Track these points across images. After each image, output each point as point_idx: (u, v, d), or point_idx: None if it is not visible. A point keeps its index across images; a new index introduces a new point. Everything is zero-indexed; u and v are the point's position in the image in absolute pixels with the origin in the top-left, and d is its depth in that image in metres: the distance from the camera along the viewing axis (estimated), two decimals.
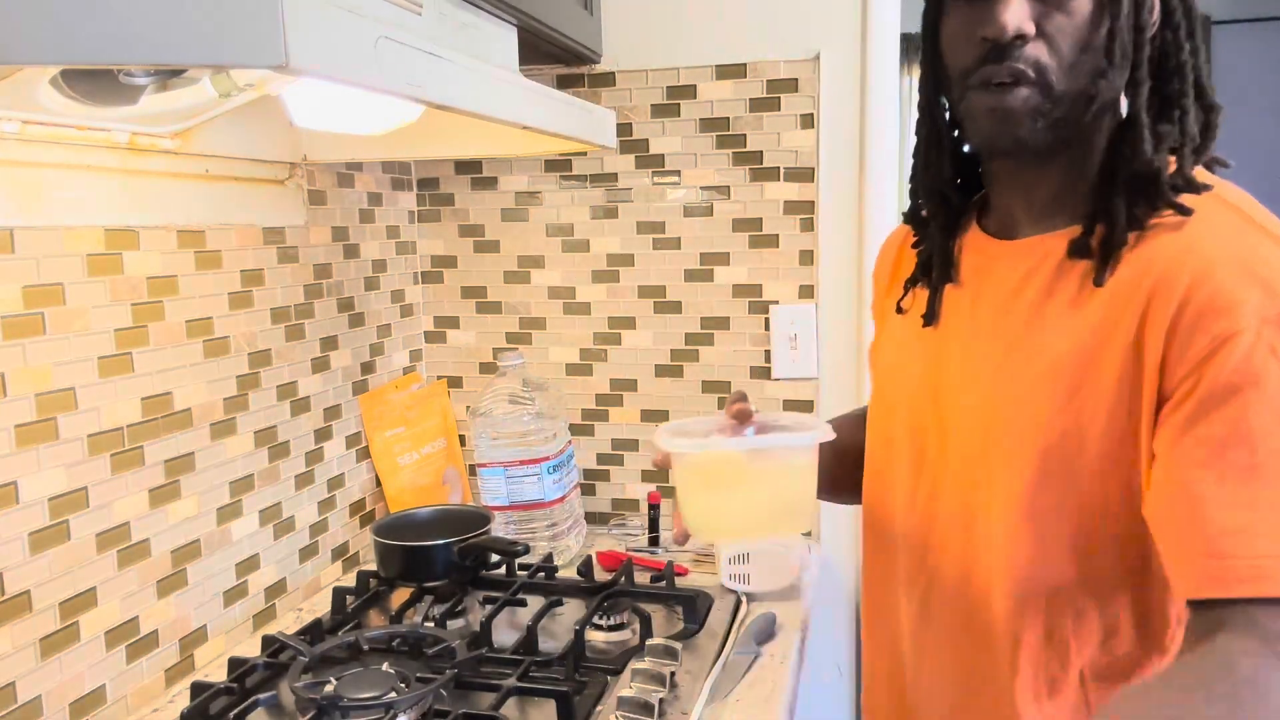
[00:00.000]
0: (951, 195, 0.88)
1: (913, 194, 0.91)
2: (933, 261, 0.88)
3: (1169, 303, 0.70)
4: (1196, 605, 0.67)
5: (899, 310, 0.93)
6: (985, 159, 0.86)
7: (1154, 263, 0.72)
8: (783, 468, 0.89)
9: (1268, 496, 0.65)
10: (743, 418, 0.94)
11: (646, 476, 1.61)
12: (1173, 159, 0.75)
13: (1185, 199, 0.73)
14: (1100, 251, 0.75)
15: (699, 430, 0.96)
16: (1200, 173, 0.76)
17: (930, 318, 0.87)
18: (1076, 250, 0.76)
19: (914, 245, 0.92)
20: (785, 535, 0.94)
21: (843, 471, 0.99)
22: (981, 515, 0.81)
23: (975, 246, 0.86)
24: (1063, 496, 0.76)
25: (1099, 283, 0.74)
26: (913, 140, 0.90)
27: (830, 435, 0.87)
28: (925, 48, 0.83)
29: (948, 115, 0.85)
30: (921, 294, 0.89)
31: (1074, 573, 0.77)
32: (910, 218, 0.92)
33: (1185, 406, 0.68)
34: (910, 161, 0.90)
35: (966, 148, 0.88)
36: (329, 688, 0.95)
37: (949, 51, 0.79)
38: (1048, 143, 0.75)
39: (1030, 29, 0.72)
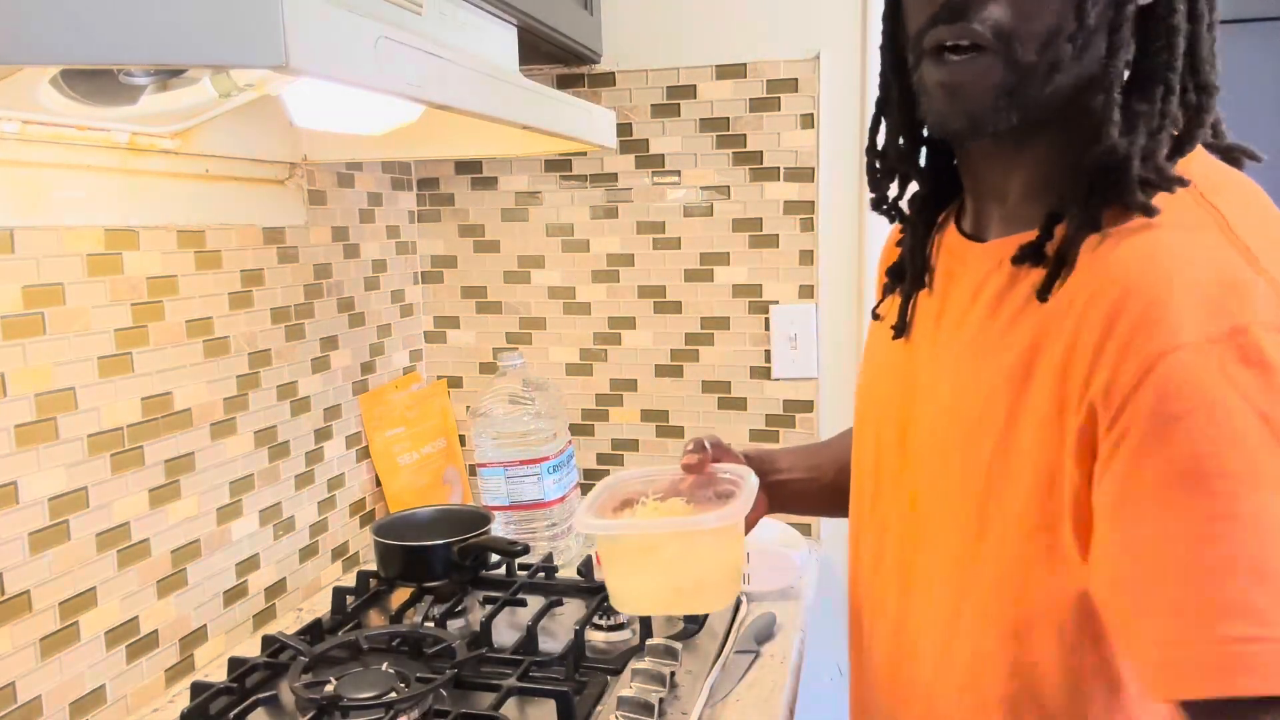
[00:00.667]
0: (918, 181, 0.76)
1: (869, 174, 0.77)
2: (906, 264, 0.76)
3: (1095, 323, 0.57)
4: (1195, 710, 0.52)
5: (875, 316, 0.83)
6: (949, 144, 0.74)
7: (1092, 275, 0.59)
8: (690, 549, 0.83)
9: (1248, 556, 0.51)
10: (693, 470, 0.88)
11: None
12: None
13: (1159, 197, 0.59)
14: (1054, 259, 0.62)
15: (645, 481, 0.91)
16: (1205, 164, 0.63)
17: (900, 329, 0.76)
18: (1023, 256, 0.64)
19: (898, 244, 0.80)
20: (704, 610, 0.86)
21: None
22: (919, 587, 0.72)
23: (949, 248, 0.74)
24: (998, 571, 0.64)
25: (1042, 298, 0.61)
26: None
27: (730, 519, 0.79)
28: (887, 8, 0.71)
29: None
30: (895, 302, 0.78)
31: (1015, 685, 0.64)
32: (886, 211, 0.79)
33: (1123, 450, 0.55)
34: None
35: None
36: (329, 688, 0.95)
37: (907, 12, 0.66)
38: (1013, 125, 0.62)
39: None
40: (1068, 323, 0.60)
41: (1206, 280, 0.55)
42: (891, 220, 0.80)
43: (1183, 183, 0.60)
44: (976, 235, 0.72)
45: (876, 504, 0.79)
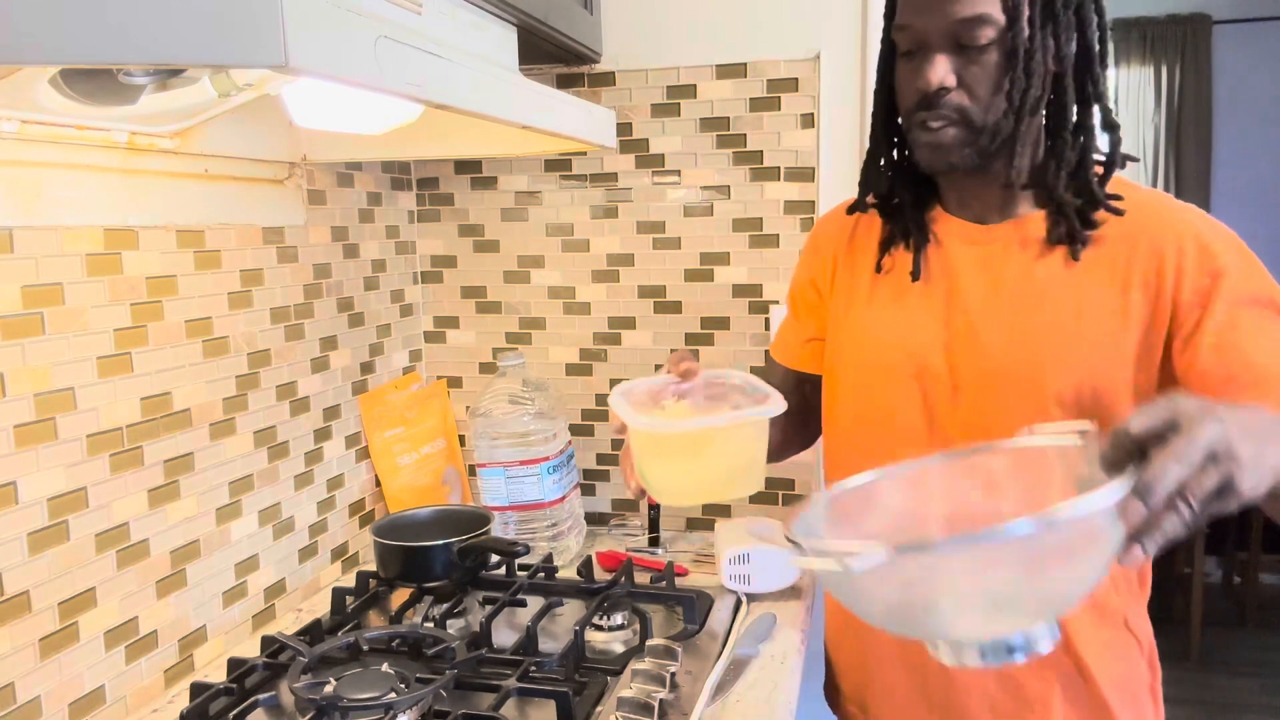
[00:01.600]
0: (904, 192, 1.04)
1: (862, 188, 1.07)
2: (910, 228, 1.03)
3: (1170, 254, 0.91)
4: None
5: (878, 270, 1.05)
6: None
7: (1135, 234, 0.93)
8: (738, 437, 0.93)
9: None
10: (689, 375, 1.00)
11: None
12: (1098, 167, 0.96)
13: (1116, 202, 0.95)
14: (1069, 240, 0.95)
15: (649, 389, 0.99)
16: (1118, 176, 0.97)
17: (915, 274, 1.02)
18: (1054, 241, 0.96)
19: (886, 218, 1.06)
20: (740, 495, 0.96)
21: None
22: None
23: (948, 223, 1.03)
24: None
25: (1075, 258, 0.95)
26: None
27: (784, 405, 0.93)
28: (879, 88, 1.01)
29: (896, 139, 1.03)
30: (904, 257, 1.04)
31: None
32: (880, 204, 1.06)
33: (1209, 323, 0.89)
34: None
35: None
36: (329, 688, 0.95)
37: (899, 94, 0.97)
38: (976, 163, 0.94)
39: (951, 81, 0.90)
40: (1127, 265, 0.92)
41: (1197, 216, 0.94)
42: (892, 215, 1.06)
43: (1117, 197, 0.95)
44: (972, 219, 1.01)
45: (934, 423, 0.99)
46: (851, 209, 1.09)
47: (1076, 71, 0.94)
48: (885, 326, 1.04)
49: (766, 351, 1.27)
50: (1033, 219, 0.98)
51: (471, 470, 1.58)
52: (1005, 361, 0.95)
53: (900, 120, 0.99)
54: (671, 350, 1.02)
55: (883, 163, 1.04)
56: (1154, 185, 4.09)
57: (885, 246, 1.05)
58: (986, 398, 0.96)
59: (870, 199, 1.06)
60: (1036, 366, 0.94)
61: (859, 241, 1.10)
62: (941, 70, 0.90)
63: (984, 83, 0.90)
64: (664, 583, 1.27)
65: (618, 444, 1.61)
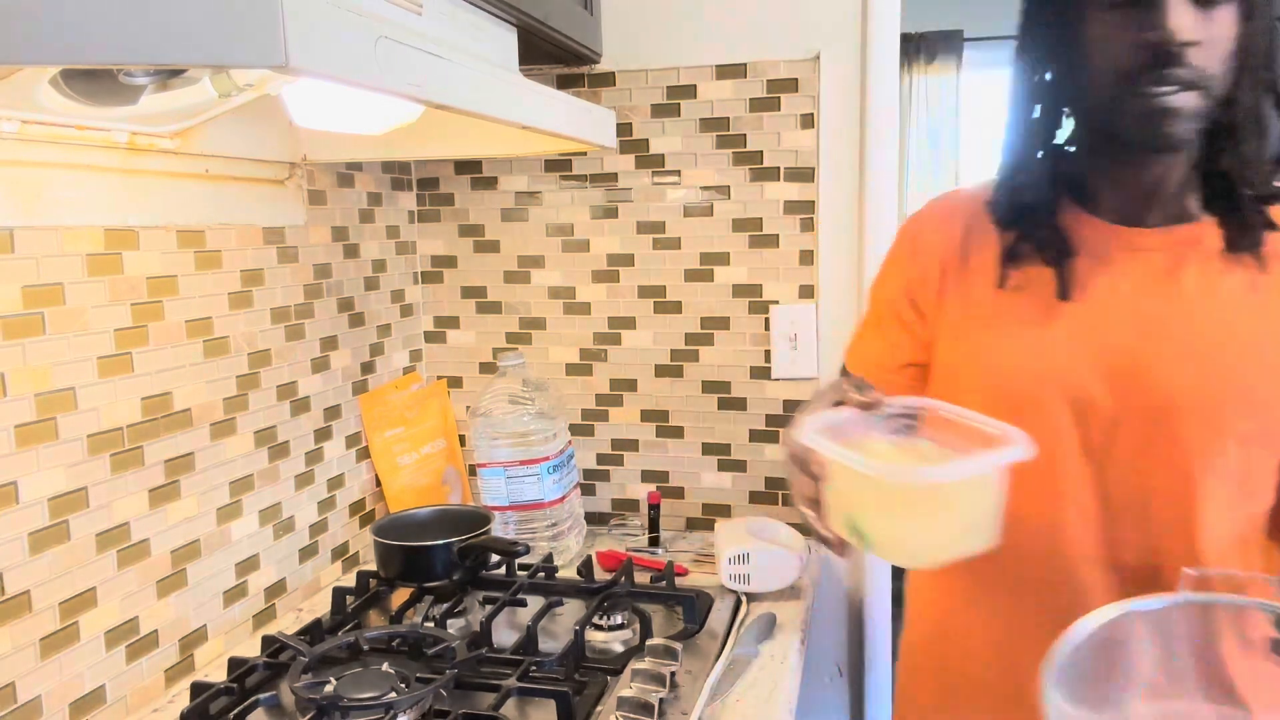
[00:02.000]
0: (1045, 188, 0.89)
1: (1002, 191, 0.91)
2: (1048, 240, 0.88)
3: None
4: None
5: (1002, 285, 0.91)
6: (1105, 154, 0.87)
7: None
8: (982, 484, 0.76)
9: None
10: (873, 407, 0.83)
11: (646, 476, 1.61)
12: None
13: None
14: (1254, 247, 0.83)
15: (838, 426, 0.81)
16: None
17: (1065, 293, 0.87)
18: (1238, 249, 0.84)
19: (1009, 225, 0.91)
20: (976, 551, 0.77)
21: None
22: (1164, 497, 0.85)
23: (1095, 227, 0.88)
24: (1249, 467, 0.84)
25: (1264, 268, 0.83)
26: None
27: (1034, 445, 0.75)
28: (1044, 54, 0.85)
29: (1071, 115, 0.88)
30: (1039, 271, 0.88)
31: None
32: (1006, 209, 0.91)
33: None
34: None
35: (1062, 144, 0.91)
36: (329, 688, 0.95)
37: (1098, 53, 0.79)
38: (1198, 140, 0.80)
39: (1198, 35, 0.74)
40: None
41: None
42: (1019, 220, 0.90)
43: None
44: (1126, 221, 0.87)
45: (1091, 457, 0.86)
46: (995, 207, 0.92)
47: (1265, 52, 0.80)
48: (1023, 352, 0.89)
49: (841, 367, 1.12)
50: (1206, 224, 0.85)
51: (471, 470, 1.58)
52: (1184, 394, 0.83)
53: (1101, 87, 0.80)
54: (846, 383, 0.87)
55: (1020, 167, 0.89)
56: None
57: (1010, 257, 0.90)
58: (1157, 433, 0.84)
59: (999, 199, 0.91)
60: (1220, 401, 0.82)
61: (973, 251, 0.93)
62: (1187, 20, 0.74)
63: (1223, 44, 0.76)
64: (664, 582, 1.27)
65: (619, 444, 1.61)
